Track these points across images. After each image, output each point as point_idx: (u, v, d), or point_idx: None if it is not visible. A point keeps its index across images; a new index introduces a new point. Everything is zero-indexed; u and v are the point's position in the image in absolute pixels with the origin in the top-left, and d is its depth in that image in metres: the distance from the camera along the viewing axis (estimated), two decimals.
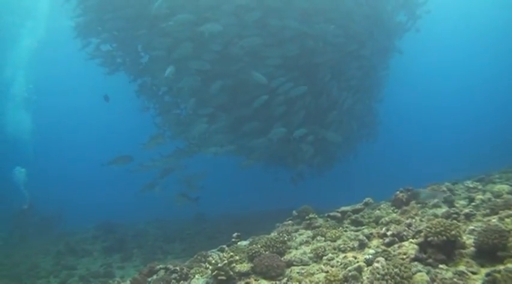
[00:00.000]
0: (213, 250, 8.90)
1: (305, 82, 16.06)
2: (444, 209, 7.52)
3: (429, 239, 5.52)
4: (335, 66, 16.84)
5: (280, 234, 7.98)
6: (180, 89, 16.41)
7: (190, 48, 14.65)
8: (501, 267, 4.90)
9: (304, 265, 6.74)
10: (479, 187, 9.04)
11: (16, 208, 22.53)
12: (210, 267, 6.64)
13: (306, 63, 16.21)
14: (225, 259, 6.61)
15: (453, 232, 5.45)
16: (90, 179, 43.97)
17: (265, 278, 6.52)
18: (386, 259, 5.74)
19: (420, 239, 5.77)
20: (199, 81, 15.52)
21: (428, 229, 5.61)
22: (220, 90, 15.73)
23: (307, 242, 7.71)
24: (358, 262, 6.10)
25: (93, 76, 20.28)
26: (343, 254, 6.64)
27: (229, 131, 17.09)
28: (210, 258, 7.12)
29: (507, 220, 6.14)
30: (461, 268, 5.16)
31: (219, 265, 6.47)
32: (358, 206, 8.95)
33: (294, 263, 6.83)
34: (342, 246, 6.93)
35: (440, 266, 5.28)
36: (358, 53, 17.03)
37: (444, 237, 5.43)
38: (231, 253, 6.98)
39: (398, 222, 7.38)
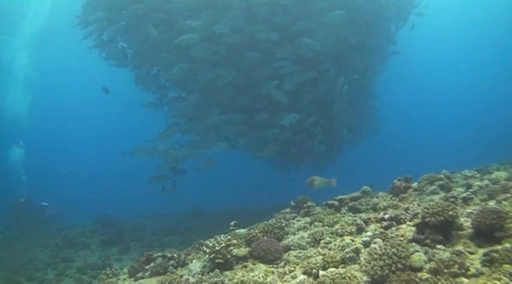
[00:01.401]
0: (211, 239, 8.89)
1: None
2: (442, 195, 7.52)
3: (426, 220, 5.51)
4: (339, 58, 16.83)
5: (278, 220, 7.96)
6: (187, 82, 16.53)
7: (206, 48, 14.75)
8: (499, 247, 4.90)
9: (301, 249, 6.74)
10: (477, 175, 9.03)
11: (13, 201, 22.46)
12: (208, 250, 6.63)
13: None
14: (222, 242, 6.60)
15: (450, 213, 5.45)
16: (89, 173, 43.96)
17: (263, 262, 6.51)
18: (383, 241, 5.74)
19: (417, 220, 5.77)
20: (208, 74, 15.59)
21: (425, 210, 5.60)
22: (228, 84, 15.85)
23: (304, 228, 7.72)
24: (355, 244, 6.10)
25: (96, 66, 20.02)
26: (341, 238, 6.64)
27: (240, 122, 17.02)
28: (208, 242, 7.10)
29: (504, 202, 6.14)
30: (459, 248, 5.16)
31: (217, 248, 6.46)
32: (356, 194, 8.93)
33: (292, 247, 6.84)
34: (339, 231, 6.93)
35: (438, 246, 5.28)
36: (362, 44, 17.06)
37: (442, 217, 5.43)
38: (229, 237, 6.98)
39: (395, 207, 7.38)
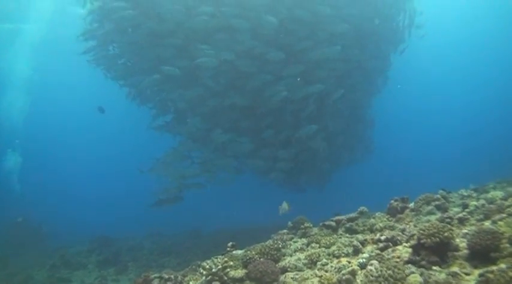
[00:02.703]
0: (208, 261, 8.86)
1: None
2: (438, 215, 7.55)
3: (422, 241, 5.53)
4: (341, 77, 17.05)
5: (275, 242, 7.96)
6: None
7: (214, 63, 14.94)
8: (494, 267, 4.91)
9: (298, 270, 6.72)
10: (474, 195, 9.07)
11: (10, 221, 22.38)
12: (204, 272, 6.61)
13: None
14: (219, 264, 6.60)
15: (446, 234, 5.47)
16: (86, 192, 43.75)
17: None
18: (379, 262, 5.74)
19: (413, 242, 5.79)
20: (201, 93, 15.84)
21: (421, 232, 5.63)
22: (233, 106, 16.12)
23: (301, 249, 7.71)
24: (351, 266, 6.10)
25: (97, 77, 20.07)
26: (337, 260, 6.64)
27: (250, 141, 17.13)
28: (204, 263, 7.09)
29: (500, 222, 6.16)
30: (455, 269, 5.17)
31: (213, 270, 6.45)
32: (353, 215, 8.94)
33: (289, 269, 6.82)
34: (336, 252, 6.93)
35: (434, 268, 5.29)
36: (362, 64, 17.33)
37: (437, 239, 5.45)
38: (226, 259, 6.96)
39: (392, 228, 7.39)
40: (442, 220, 6.82)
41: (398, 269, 5.15)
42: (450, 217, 6.92)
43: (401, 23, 18.66)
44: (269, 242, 8.07)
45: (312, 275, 6.29)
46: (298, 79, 15.75)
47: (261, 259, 7.02)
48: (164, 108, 18.76)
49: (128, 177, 43.16)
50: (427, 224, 5.82)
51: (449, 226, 5.82)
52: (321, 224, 9.16)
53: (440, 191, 8.63)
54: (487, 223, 6.41)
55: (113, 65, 17.73)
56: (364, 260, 6.06)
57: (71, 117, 47.23)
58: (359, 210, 9.11)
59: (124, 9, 14.83)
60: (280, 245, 7.71)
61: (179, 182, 17.78)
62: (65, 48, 23.24)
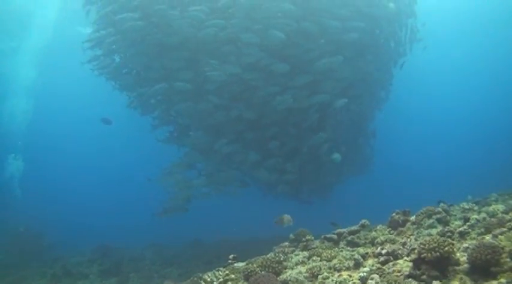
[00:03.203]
0: (209, 273, 8.87)
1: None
2: (439, 229, 7.55)
3: (423, 255, 5.54)
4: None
5: (276, 254, 7.98)
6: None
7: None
8: (494, 282, 4.93)
9: None
10: (475, 208, 9.07)
11: (12, 231, 22.37)
12: None
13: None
14: (220, 277, 6.61)
15: (446, 249, 5.49)
16: (89, 200, 43.66)
17: None
18: (380, 276, 5.76)
19: (414, 256, 5.80)
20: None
21: (422, 246, 5.64)
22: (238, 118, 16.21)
23: (303, 263, 7.71)
24: (352, 280, 6.11)
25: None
26: (338, 273, 6.65)
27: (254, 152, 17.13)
28: (206, 276, 7.10)
29: (501, 237, 6.17)
30: (455, 283, 5.19)
31: (214, 283, 6.47)
32: (355, 228, 8.96)
33: (290, 282, 6.81)
34: (337, 265, 6.93)
35: (434, 282, 5.30)
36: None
37: (437, 253, 5.46)
38: (227, 272, 6.98)
39: (393, 242, 7.40)
40: (443, 234, 6.83)
41: (399, 283, 5.16)
42: (451, 231, 6.94)
43: (402, 37, 18.71)
44: (270, 255, 8.09)
45: None
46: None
47: (262, 272, 7.03)
48: (167, 119, 18.82)
49: (130, 185, 43.39)
50: (427, 238, 5.83)
51: (449, 240, 5.82)
52: (322, 236, 9.19)
53: (442, 204, 8.65)
54: (488, 237, 6.42)
55: (118, 75, 17.77)
56: (365, 274, 6.07)
57: (75, 124, 47.10)
58: (360, 223, 9.13)
59: (133, 19, 14.88)
60: (281, 258, 7.73)
61: (187, 192, 17.86)
62: (69, 55, 23.46)
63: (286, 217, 8.73)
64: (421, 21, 19.58)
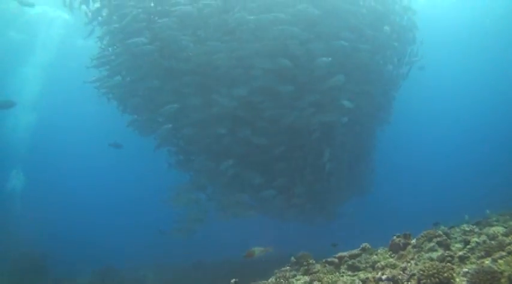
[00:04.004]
0: None
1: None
2: (440, 252, 7.56)
3: (422, 282, 5.57)
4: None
5: (278, 280, 7.98)
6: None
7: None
8: None
9: None
10: (476, 230, 9.08)
11: (14, 251, 22.20)
12: None
13: None
14: None
15: (446, 274, 5.52)
16: (91, 218, 43.28)
17: None
18: None
19: (414, 282, 5.82)
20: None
21: (421, 272, 5.68)
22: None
23: None
24: None
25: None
26: None
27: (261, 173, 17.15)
28: None
29: (500, 261, 6.19)
30: None
31: None
32: (356, 251, 8.96)
33: None
34: None
35: None
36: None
37: (437, 279, 5.49)
38: None
39: (394, 266, 7.41)
40: (443, 259, 6.84)
41: None
42: (451, 256, 6.94)
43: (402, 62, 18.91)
44: (272, 280, 8.09)
45: None
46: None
47: None
48: (169, 140, 18.79)
49: (134, 203, 43.15)
50: (427, 264, 5.87)
51: (449, 264, 5.86)
52: (323, 260, 9.18)
53: (442, 227, 8.67)
54: (488, 261, 6.43)
55: (125, 96, 17.72)
56: None
57: (78, 141, 46.86)
58: (361, 246, 9.14)
59: (144, 44, 14.92)
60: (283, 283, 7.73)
61: (198, 213, 17.90)
62: (74, 70, 23.66)
63: (257, 249, 8.73)
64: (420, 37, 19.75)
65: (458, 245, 7.93)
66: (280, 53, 14.66)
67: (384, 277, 6.71)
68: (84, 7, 17.22)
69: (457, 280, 5.82)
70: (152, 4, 15.39)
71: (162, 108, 16.00)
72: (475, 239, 7.85)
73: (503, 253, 6.48)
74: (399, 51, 18.41)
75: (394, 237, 8.71)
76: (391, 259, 7.98)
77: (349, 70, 16.00)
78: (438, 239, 8.15)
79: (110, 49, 17.06)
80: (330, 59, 14.62)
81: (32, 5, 18.91)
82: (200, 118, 16.00)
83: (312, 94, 15.51)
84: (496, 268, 5.55)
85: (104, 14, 16.49)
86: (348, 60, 15.79)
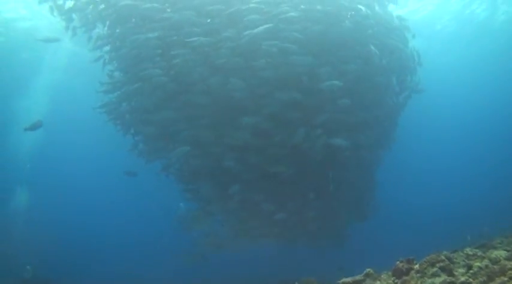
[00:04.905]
0: None
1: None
2: (443, 278, 7.58)
3: None
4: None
5: None
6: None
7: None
8: None
9: None
10: (479, 253, 9.09)
11: (17, 278, 22.03)
12: None
13: None
14: None
15: None
16: (98, 238, 42.80)
17: None
18: None
19: None
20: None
21: None
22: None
23: None
24: None
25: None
26: None
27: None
28: None
29: None
30: None
31: None
32: (359, 277, 8.99)
33: None
34: None
35: None
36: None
37: None
38: None
39: None
40: None
41: None
42: (453, 282, 6.98)
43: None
44: None
45: None
46: None
47: None
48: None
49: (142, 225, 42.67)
50: None
51: None
52: None
53: (445, 252, 8.70)
54: None
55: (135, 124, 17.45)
56: None
57: (83, 160, 46.56)
58: (365, 272, 9.17)
59: (159, 75, 14.67)
60: None
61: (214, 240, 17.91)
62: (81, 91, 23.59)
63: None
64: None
65: (461, 270, 7.96)
66: (292, 81, 14.70)
67: None
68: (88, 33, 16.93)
69: None
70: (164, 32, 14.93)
71: (176, 136, 15.89)
72: (478, 263, 7.90)
73: (505, 279, 6.52)
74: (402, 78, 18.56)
75: (398, 262, 8.74)
76: None
77: (359, 95, 16.11)
78: (441, 264, 8.17)
79: (118, 74, 16.86)
80: (341, 83, 14.55)
81: (57, 40, 18.66)
82: (213, 152, 15.85)
83: (321, 115, 15.41)
84: None
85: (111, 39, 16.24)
86: (357, 86, 15.82)
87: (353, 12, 15.46)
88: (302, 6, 14.73)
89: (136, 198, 43.63)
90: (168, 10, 14.76)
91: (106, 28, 16.29)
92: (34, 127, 18.04)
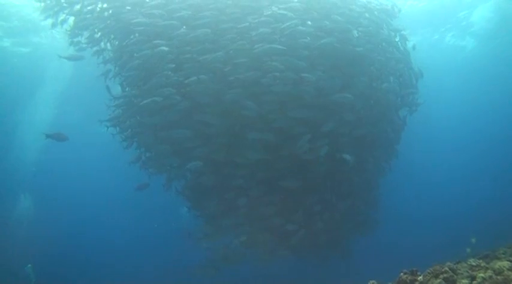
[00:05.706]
0: None
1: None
2: None
3: None
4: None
5: None
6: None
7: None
8: None
9: None
10: (482, 264, 9.17)
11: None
12: None
13: None
14: None
15: None
16: (103, 247, 42.45)
17: None
18: None
19: None
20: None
21: None
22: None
23: None
24: None
25: None
26: None
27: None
28: None
29: None
30: None
31: None
32: None
33: None
34: None
35: None
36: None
37: None
38: None
39: None
40: None
41: None
42: None
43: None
44: None
45: None
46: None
47: None
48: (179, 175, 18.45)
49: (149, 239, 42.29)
50: None
51: None
52: None
53: (448, 263, 8.79)
54: None
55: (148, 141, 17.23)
56: None
57: (89, 170, 46.28)
58: None
59: (172, 94, 14.50)
60: None
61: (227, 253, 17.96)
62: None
63: None
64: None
65: (465, 281, 8.03)
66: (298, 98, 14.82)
67: None
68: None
69: None
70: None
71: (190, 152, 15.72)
72: (481, 274, 7.98)
73: None
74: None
75: (401, 273, 8.82)
76: None
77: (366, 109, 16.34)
78: (445, 275, 8.27)
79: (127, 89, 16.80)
80: (352, 96, 14.85)
81: (82, 58, 18.79)
82: (223, 171, 15.98)
83: (327, 124, 15.44)
84: None
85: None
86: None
87: (361, 29, 15.76)
88: (309, 23, 15.05)
89: (144, 206, 43.64)
90: (183, 27, 14.85)
91: (116, 42, 16.58)
92: (57, 137, 18.09)
